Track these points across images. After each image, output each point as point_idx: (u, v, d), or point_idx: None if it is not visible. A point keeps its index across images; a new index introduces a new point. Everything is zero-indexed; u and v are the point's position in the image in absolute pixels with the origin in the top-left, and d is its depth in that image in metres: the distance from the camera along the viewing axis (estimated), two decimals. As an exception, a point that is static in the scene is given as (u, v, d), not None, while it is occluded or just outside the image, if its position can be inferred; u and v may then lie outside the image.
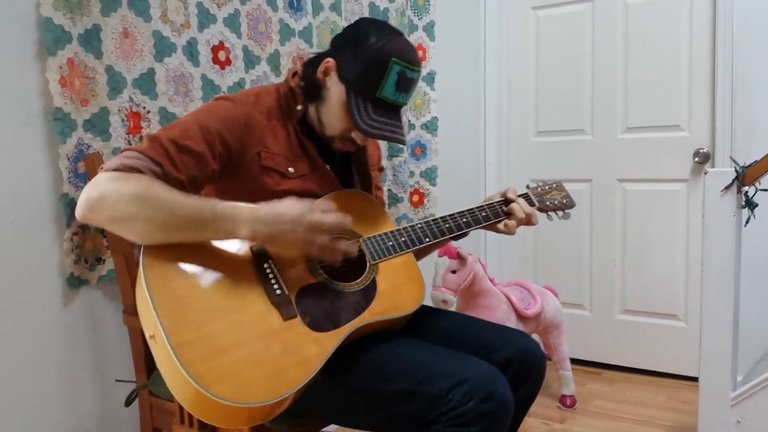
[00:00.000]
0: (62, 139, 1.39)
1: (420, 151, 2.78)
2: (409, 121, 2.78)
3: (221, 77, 1.82)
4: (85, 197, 1.04)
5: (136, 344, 1.45)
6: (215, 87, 1.79)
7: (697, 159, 2.45)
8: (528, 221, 1.42)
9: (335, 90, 1.26)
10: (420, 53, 2.78)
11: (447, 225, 1.37)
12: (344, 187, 1.37)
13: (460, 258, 2.00)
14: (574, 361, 2.54)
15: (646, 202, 2.60)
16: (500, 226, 1.42)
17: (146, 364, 1.44)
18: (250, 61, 1.92)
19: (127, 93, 1.54)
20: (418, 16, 2.75)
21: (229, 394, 0.96)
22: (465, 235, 1.41)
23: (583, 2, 2.66)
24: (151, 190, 1.04)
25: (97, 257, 1.50)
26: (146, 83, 1.58)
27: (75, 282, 1.45)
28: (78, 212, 1.05)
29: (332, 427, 1.42)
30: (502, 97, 2.83)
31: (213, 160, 1.18)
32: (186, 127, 1.16)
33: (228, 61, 1.84)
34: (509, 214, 1.42)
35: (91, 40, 1.45)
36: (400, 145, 2.52)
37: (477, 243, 2.80)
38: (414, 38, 2.77)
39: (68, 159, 1.40)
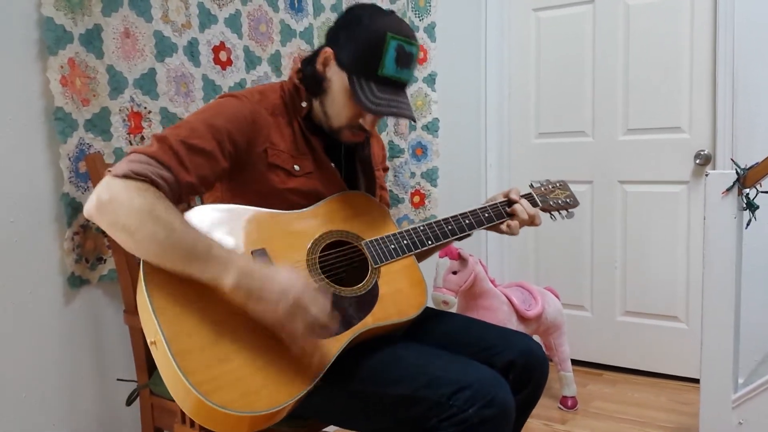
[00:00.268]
0: (63, 138, 1.39)
1: (421, 152, 2.78)
2: (410, 122, 2.78)
3: (222, 78, 1.82)
4: (95, 198, 1.04)
5: (137, 344, 1.45)
6: (216, 87, 1.79)
7: (698, 161, 2.45)
8: (531, 222, 1.40)
9: (336, 79, 1.25)
10: (421, 54, 2.78)
11: (450, 227, 1.36)
12: (349, 185, 1.36)
13: (461, 259, 2.00)
14: (575, 362, 2.54)
15: (647, 204, 2.60)
16: (503, 227, 1.40)
17: (147, 363, 1.43)
18: (251, 61, 1.92)
19: (128, 93, 1.54)
20: (419, 17, 2.76)
21: (231, 402, 0.95)
22: (468, 236, 1.40)
23: (584, 4, 2.66)
24: (156, 209, 1.02)
25: (98, 257, 1.50)
26: (147, 83, 1.58)
27: (76, 281, 1.45)
28: (86, 209, 1.05)
29: (332, 427, 1.42)
30: (502, 99, 2.83)
31: (223, 158, 1.17)
32: (194, 126, 1.15)
33: (229, 62, 1.84)
34: (512, 215, 1.40)
35: (93, 39, 1.45)
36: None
37: (478, 244, 2.80)
38: (415, 39, 2.77)
39: (69, 159, 1.40)
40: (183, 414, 1.27)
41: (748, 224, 1.67)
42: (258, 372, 1.01)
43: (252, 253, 1.13)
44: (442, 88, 2.78)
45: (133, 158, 1.08)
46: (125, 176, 1.04)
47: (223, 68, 1.82)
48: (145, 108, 1.58)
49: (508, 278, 2.83)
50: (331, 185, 1.31)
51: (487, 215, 1.40)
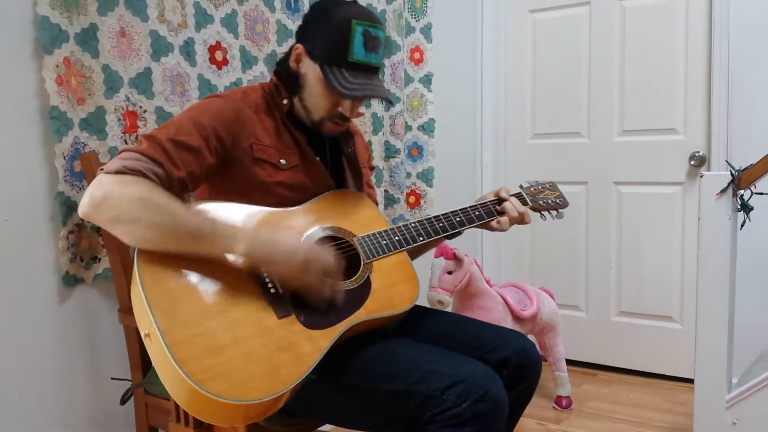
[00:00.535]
0: (58, 137, 1.39)
1: (417, 152, 2.79)
2: (406, 122, 2.78)
3: (218, 77, 1.82)
4: (88, 196, 1.05)
5: (131, 343, 1.45)
6: (212, 87, 1.79)
7: (692, 162, 2.46)
8: (521, 220, 1.44)
9: (311, 72, 1.28)
10: (417, 55, 2.78)
11: (441, 224, 1.38)
12: (335, 182, 1.38)
13: (457, 259, 2.00)
14: (569, 362, 2.54)
15: (642, 205, 2.60)
16: (493, 223, 1.43)
17: (141, 362, 1.44)
18: (248, 61, 1.92)
19: (123, 92, 1.54)
20: (415, 18, 2.76)
21: (225, 391, 0.96)
22: (459, 234, 1.42)
23: (580, 6, 2.66)
24: (154, 196, 1.05)
25: (93, 256, 1.50)
26: (143, 83, 1.58)
27: (70, 280, 1.45)
28: (81, 210, 1.06)
29: (328, 426, 1.42)
30: (499, 100, 2.84)
31: (209, 155, 1.19)
32: (181, 124, 1.18)
33: (225, 61, 1.84)
34: (502, 213, 1.43)
35: (88, 39, 1.45)
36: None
37: (473, 244, 2.81)
38: (411, 40, 2.78)
39: (64, 158, 1.40)
40: (177, 412, 1.27)
41: (742, 225, 1.68)
42: (253, 362, 1.01)
43: None
44: (438, 88, 2.79)
45: (125, 156, 1.10)
46: (118, 172, 1.06)
47: (219, 68, 1.82)
48: (141, 107, 1.58)
49: (504, 278, 2.83)
50: (318, 179, 1.33)
51: (477, 213, 1.42)
